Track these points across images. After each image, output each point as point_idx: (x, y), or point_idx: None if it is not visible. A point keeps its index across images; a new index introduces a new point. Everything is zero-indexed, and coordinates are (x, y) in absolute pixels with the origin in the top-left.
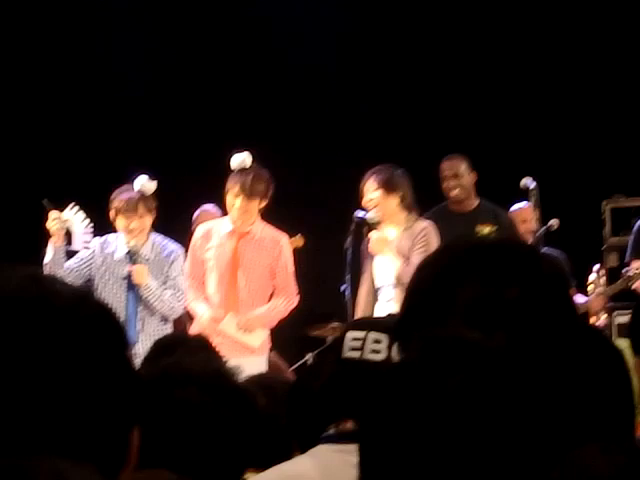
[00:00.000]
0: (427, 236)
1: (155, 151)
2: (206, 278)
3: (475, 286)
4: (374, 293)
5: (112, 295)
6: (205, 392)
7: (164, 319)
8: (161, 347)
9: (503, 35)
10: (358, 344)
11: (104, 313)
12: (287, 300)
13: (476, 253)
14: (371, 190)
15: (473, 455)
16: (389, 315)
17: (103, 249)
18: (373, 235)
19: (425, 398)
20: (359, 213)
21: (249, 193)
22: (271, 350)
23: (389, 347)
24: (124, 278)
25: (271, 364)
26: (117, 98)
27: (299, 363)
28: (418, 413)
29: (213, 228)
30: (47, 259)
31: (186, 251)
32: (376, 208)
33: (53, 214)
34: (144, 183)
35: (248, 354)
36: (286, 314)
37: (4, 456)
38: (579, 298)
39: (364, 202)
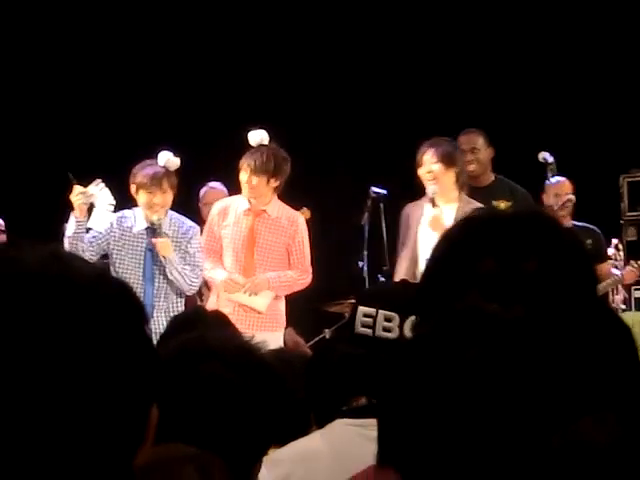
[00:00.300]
0: None
1: (170, 127)
2: (222, 255)
3: (494, 258)
4: (418, 268)
5: (129, 270)
6: (232, 367)
7: (179, 295)
8: (179, 323)
9: (521, 6)
10: (369, 321)
11: (123, 291)
12: (299, 275)
13: (495, 225)
14: (429, 163)
15: (489, 427)
16: (401, 282)
17: (121, 223)
18: (429, 211)
19: (443, 370)
20: (375, 189)
21: (255, 169)
22: (288, 326)
23: (400, 326)
24: (142, 253)
25: (288, 340)
26: (137, 75)
27: (316, 339)
28: (436, 385)
29: (230, 205)
30: (69, 232)
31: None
32: (435, 182)
33: (78, 188)
34: (169, 159)
35: (263, 328)
36: (296, 288)
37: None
38: (614, 270)
39: (421, 173)
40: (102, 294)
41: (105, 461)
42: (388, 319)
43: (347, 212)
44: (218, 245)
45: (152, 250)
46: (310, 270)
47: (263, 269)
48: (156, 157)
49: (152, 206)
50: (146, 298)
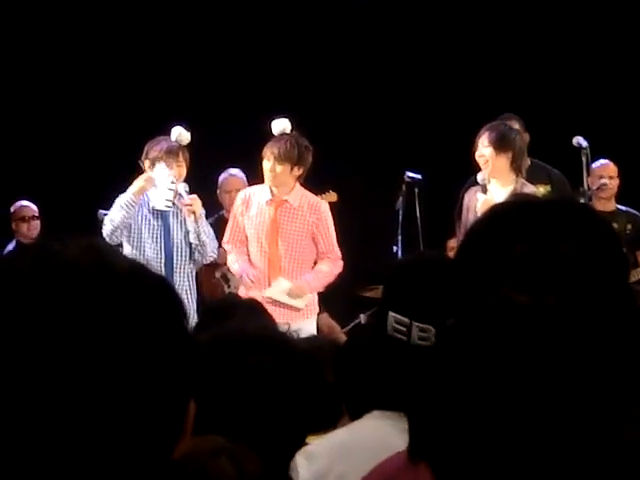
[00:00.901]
0: None
1: (192, 108)
2: (247, 245)
3: (524, 244)
4: None
5: (148, 249)
6: (271, 358)
7: (192, 277)
8: (213, 312)
9: None
10: (403, 329)
11: (161, 284)
12: (332, 265)
13: (525, 212)
14: (482, 147)
15: (521, 421)
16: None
17: (138, 203)
18: (480, 197)
19: (474, 363)
20: (409, 173)
21: (279, 157)
22: (323, 311)
23: (436, 335)
24: (158, 231)
25: (323, 325)
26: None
27: (352, 324)
28: (467, 378)
29: (253, 195)
30: (117, 215)
31: (212, 214)
32: (486, 166)
33: (147, 175)
34: (181, 132)
35: (296, 317)
36: (332, 279)
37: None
38: None
39: (476, 156)
40: (139, 286)
41: (143, 454)
42: (423, 330)
43: (382, 197)
44: (243, 235)
45: (168, 227)
46: (340, 255)
47: (288, 259)
48: (167, 133)
49: (168, 179)
50: (167, 276)
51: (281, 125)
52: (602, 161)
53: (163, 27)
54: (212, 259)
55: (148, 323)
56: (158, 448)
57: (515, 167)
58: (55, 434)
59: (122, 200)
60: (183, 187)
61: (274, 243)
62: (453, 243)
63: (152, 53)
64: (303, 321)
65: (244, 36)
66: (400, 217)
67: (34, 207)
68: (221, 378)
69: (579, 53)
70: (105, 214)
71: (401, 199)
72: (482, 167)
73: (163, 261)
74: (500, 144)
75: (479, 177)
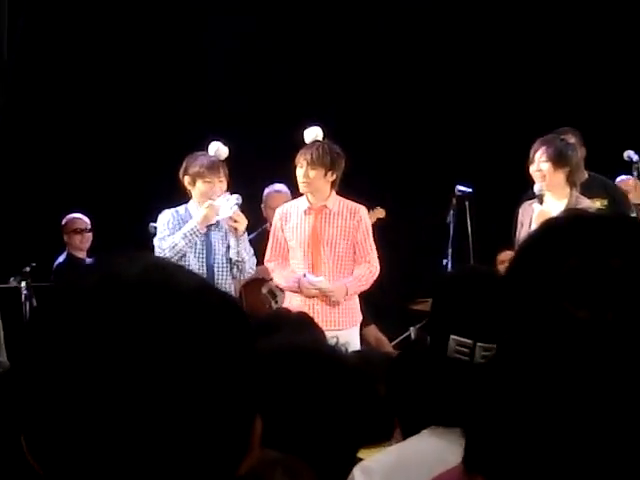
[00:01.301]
0: None
1: (229, 125)
2: (290, 258)
3: (579, 258)
4: None
5: (193, 265)
6: (323, 372)
7: (231, 292)
8: (263, 326)
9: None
10: (466, 351)
11: (227, 301)
12: (368, 270)
13: (579, 225)
14: (539, 161)
15: (580, 438)
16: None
17: (179, 221)
18: (537, 208)
19: (533, 377)
20: (460, 187)
21: (312, 162)
22: (371, 323)
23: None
24: (202, 246)
25: (371, 337)
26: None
27: (401, 337)
28: (526, 393)
29: (290, 208)
30: (182, 242)
31: (252, 231)
32: (542, 181)
33: (209, 202)
34: (219, 147)
35: (342, 327)
36: (368, 285)
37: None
38: None
39: (532, 171)
40: (206, 304)
41: (210, 471)
42: (487, 349)
43: (433, 210)
44: (285, 250)
45: (210, 242)
46: (377, 261)
47: (332, 265)
48: (205, 149)
49: (210, 194)
50: None
51: (313, 133)
52: (623, 177)
53: (198, 46)
54: (249, 275)
55: (215, 341)
56: (225, 464)
57: (571, 181)
58: (124, 452)
59: (187, 228)
60: (236, 199)
61: (317, 250)
62: (503, 257)
63: (190, 72)
64: (348, 330)
65: (284, 49)
66: (451, 230)
67: (87, 219)
68: (273, 392)
69: (631, 67)
70: (156, 227)
71: (452, 212)
72: (538, 181)
73: (205, 275)
74: (558, 160)
75: (536, 188)
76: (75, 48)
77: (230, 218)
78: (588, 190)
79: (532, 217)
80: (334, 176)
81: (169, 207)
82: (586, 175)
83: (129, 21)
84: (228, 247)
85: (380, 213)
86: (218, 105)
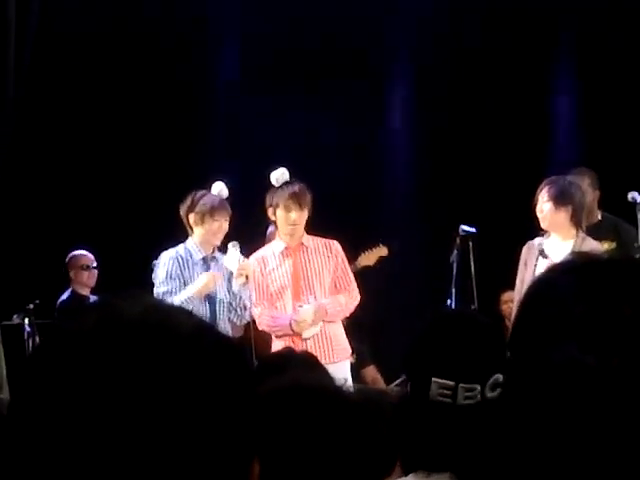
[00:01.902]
0: None
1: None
2: (274, 301)
3: (588, 303)
4: None
5: (195, 305)
6: (329, 412)
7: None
8: (269, 365)
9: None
10: (448, 393)
11: (227, 344)
12: (350, 298)
13: (588, 270)
14: (541, 202)
15: None
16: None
17: (180, 262)
18: (541, 263)
19: (540, 423)
20: (464, 227)
21: (301, 204)
22: (370, 364)
23: (482, 392)
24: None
25: (368, 377)
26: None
27: (400, 379)
28: (530, 439)
29: (266, 252)
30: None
31: None
32: (544, 221)
33: (212, 273)
34: (222, 188)
35: (333, 361)
36: (349, 311)
37: None
38: None
39: (537, 211)
40: (203, 346)
41: None
42: (470, 390)
43: (436, 250)
44: (267, 294)
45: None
46: (357, 291)
47: (315, 301)
48: (208, 189)
49: (217, 233)
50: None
51: (281, 173)
52: None
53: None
54: (245, 322)
55: (212, 383)
56: None
57: (575, 222)
58: None
59: (185, 295)
60: (234, 247)
61: (299, 289)
62: (507, 297)
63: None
64: (337, 363)
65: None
66: (454, 270)
67: (92, 256)
68: (277, 430)
69: (633, 108)
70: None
71: (455, 252)
72: (541, 222)
73: (207, 317)
74: (560, 199)
75: (536, 242)
76: (80, 85)
77: (237, 270)
78: (597, 231)
79: (536, 260)
80: (308, 214)
81: (173, 243)
82: (599, 216)
83: (136, 60)
84: (229, 291)
85: (382, 251)
86: (219, 144)
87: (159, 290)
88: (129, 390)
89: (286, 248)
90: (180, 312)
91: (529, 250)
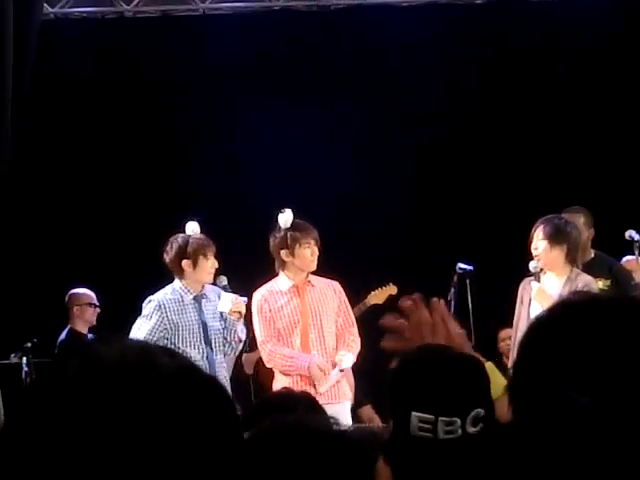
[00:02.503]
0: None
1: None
2: (282, 337)
3: (587, 344)
4: None
5: (190, 344)
6: (329, 455)
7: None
8: (268, 405)
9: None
10: (428, 427)
11: (211, 384)
12: (356, 340)
13: (589, 310)
14: (536, 240)
15: None
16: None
17: (168, 304)
18: (534, 285)
19: (537, 461)
20: (461, 265)
21: (317, 242)
22: (367, 403)
23: (462, 426)
24: (198, 323)
25: (365, 417)
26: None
27: None
28: (526, 476)
29: (272, 288)
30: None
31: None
32: (537, 257)
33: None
34: (195, 226)
35: (334, 400)
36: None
37: None
38: None
39: (532, 249)
40: (187, 387)
41: None
42: (450, 424)
43: (434, 287)
44: (275, 330)
45: (204, 320)
46: (356, 331)
47: (321, 340)
48: (182, 229)
49: (211, 271)
50: (211, 368)
51: (289, 216)
52: (627, 257)
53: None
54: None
55: (196, 424)
56: None
57: (570, 259)
58: None
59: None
60: (222, 281)
61: (307, 327)
62: (504, 334)
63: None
64: (340, 404)
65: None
66: (452, 308)
67: (94, 294)
68: (274, 471)
69: (632, 147)
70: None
71: (452, 290)
72: (535, 260)
73: (204, 353)
74: (555, 237)
75: (531, 265)
76: (77, 121)
77: (230, 310)
78: (591, 269)
79: (531, 295)
80: None
81: (167, 281)
82: (592, 254)
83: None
84: (222, 326)
85: (392, 290)
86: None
87: (138, 334)
88: (111, 437)
89: (294, 286)
90: (163, 353)
91: (525, 287)
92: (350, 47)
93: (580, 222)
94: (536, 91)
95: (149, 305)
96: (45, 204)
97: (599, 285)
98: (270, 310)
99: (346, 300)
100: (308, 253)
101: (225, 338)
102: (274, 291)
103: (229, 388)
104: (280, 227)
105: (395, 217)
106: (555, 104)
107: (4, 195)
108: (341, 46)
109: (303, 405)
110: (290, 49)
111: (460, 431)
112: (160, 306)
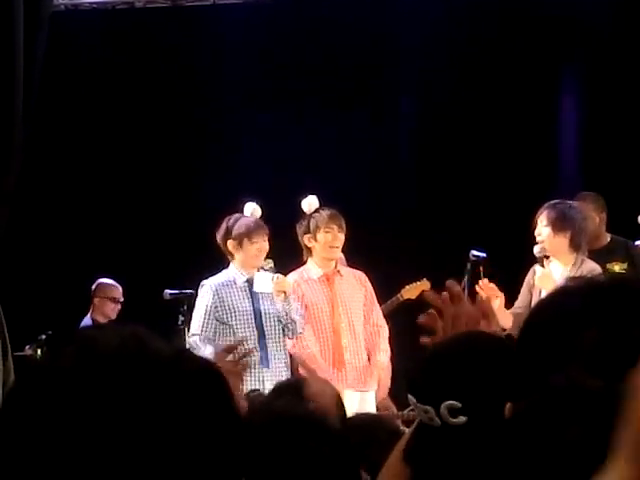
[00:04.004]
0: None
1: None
2: (313, 322)
3: (594, 327)
4: None
5: (244, 328)
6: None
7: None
8: (283, 391)
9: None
10: (432, 415)
11: (206, 369)
12: (385, 337)
13: (594, 293)
14: (540, 225)
15: None
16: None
17: (223, 289)
18: (538, 270)
19: (543, 449)
20: (474, 252)
21: (341, 228)
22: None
23: (438, 415)
24: (250, 307)
25: (381, 406)
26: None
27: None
28: (534, 465)
29: (301, 277)
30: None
31: None
32: (541, 244)
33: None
34: (255, 208)
35: (367, 387)
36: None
37: None
38: None
39: (535, 234)
40: (183, 372)
41: None
42: (425, 411)
43: (447, 275)
44: (306, 316)
45: (256, 303)
46: (383, 320)
47: (351, 329)
48: (240, 211)
49: (258, 255)
50: (262, 351)
51: (312, 201)
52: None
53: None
54: (300, 334)
55: (193, 408)
56: None
57: (574, 245)
58: None
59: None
60: (269, 268)
61: (338, 315)
62: None
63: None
64: (371, 392)
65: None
66: (465, 295)
67: (121, 290)
68: (269, 458)
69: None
70: (171, 293)
71: (466, 277)
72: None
73: (256, 338)
74: (559, 223)
75: (535, 250)
76: (96, 110)
77: (274, 289)
78: (608, 253)
79: (534, 279)
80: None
81: (193, 274)
82: (608, 238)
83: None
84: (277, 310)
85: (425, 285)
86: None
87: (192, 338)
88: (109, 424)
89: (324, 274)
90: (158, 340)
91: (530, 273)
92: (362, 35)
93: (589, 209)
94: (545, 76)
95: (201, 290)
96: (60, 196)
97: (615, 269)
98: (304, 295)
99: (372, 292)
100: (329, 237)
101: (280, 320)
102: (304, 278)
103: (287, 370)
104: (305, 213)
105: (408, 206)
106: (565, 89)
107: (22, 182)
108: (353, 35)
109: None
110: (301, 38)
111: (438, 420)
112: (210, 289)
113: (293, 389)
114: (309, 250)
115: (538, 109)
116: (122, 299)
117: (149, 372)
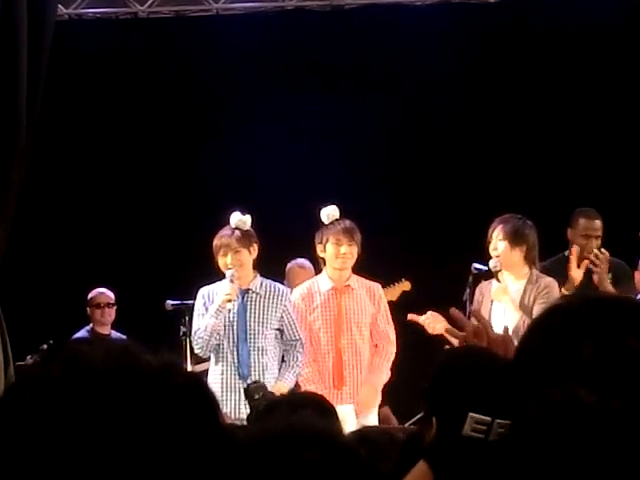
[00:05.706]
0: (550, 293)
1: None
2: (315, 338)
3: (593, 342)
4: None
5: (226, 336)
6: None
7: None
8: (276, 405)
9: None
10: (483, 428)
11: (193, 383)
12: (388, 352)
13: (593, 308)
14: (496, 239)
15: None
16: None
17: (209, 296)
18: (494, 284)
19: (542, 462)
20: (477, 265)
21: (352, 238)
22: (385, 405)
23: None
24: (231, 314)
25: (382, 417)
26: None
27: (417, 417)
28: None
29: (312, 288)
30: (212, 320)
31: None
32: (498, 258)
33: (233, 286)
34: (240, 218)
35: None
36: (390, 363)
37: None
38: None
39: (490, 249)
40: (169, 386)
41: None
42: (502, 426)
43: (449, 288)
44: (305, 333)
45: (243, 314)
46: (394, 341)
47: (355, 346)
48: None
49: (225, 268)
50: (240, 358)
51: (332, 211)
52: None
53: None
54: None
55: (179, 423)
56: None
57: (529, 260)
58: None
59: (212, 309)
60: (230, 273)
61: (340, 332)
62: None
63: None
64: (372, 413)
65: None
66: (467, 309)
67: (111, 294)
68: (266, 475)
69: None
70: (173, 304)
71: (468, 290)
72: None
73: (235, 341)
74: (514, 238)
75: (491, 264)
76: (98, 121)
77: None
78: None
79: (490, 291)
80: (358, 253)
81: (191, 281)
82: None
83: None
84: (263, 313)
85: (406, 286)
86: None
87: (195, 335)
88: (94, 436)
89: (333, 288)
90: (148, 354)
91: (481, 289)
92: (364, 47)
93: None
94: (550, 89)
95: (199, 293)
96: (61, 205)
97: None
98: (307, 310)
99: (386, 308)
100: (337, 249)
101: (265, 326)
102: (313, 291)
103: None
104: (323, 223)
105: (409, 217)
106: (568, 102)
107: (23, 192)
108: (355, 46)
109: (311, 406)
110: (304, 49)
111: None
112: (202, 296)
113: (286, 404)
114: (323, 260)
115: (541, 121)
116: (112, 302)
117: (136, 385)
